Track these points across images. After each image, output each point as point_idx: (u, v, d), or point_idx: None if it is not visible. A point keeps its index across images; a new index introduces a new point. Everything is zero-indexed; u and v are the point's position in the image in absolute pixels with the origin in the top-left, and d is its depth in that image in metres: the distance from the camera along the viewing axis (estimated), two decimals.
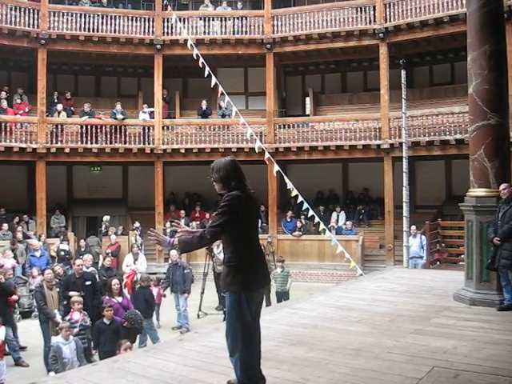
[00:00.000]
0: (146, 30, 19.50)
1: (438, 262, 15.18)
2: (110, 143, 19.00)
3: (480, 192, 7.57)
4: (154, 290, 12.34)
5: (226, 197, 4.04)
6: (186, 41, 18.55)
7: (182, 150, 19.51)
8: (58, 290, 10.36)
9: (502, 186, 7.25)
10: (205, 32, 19.68)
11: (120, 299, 9.97)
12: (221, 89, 17.53)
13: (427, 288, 8.96)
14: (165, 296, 12.50)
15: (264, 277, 4.23)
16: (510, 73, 12.69)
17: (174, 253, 13.24)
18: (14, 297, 10.60)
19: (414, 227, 15.31)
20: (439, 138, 17.30)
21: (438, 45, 18.98)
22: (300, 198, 16.86)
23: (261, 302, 4.24)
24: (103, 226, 18.77)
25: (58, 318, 9.82)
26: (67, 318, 9.24)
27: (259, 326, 4.25)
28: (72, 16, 18.83)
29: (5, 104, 18.34)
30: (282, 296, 12.72)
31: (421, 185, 20.22)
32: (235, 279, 4.02)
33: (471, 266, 7.58)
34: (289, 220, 19.43)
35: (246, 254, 4.07)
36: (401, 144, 16.32)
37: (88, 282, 10.46)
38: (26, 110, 18.93)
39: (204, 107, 20.34)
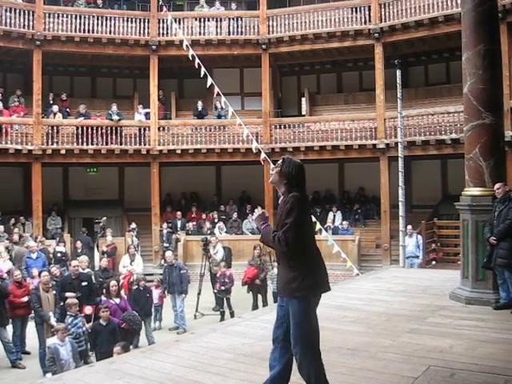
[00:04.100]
0: (142, 31, 19.48)
1: (434, 262, 15.25)
2: (106, 144, 18.97)
3: (475, 191, 7.59)
4: (155, 292, 12.36)
5: (291, 197, 3.92)
6: (181, 41, 18.53)
7: (178, 151, 19.50)
8: (54, 292, 10.35)
9: (497, 186, 7.27)
10: (200, 33, 19.66)
11: (118, 300, 9.98)
12: (217, 89, 17.51)
13: (423, 287, 8.97)
14: (165, 297, 12.60)
15: (327, 281, 4.06)
16: (504, 72, 12.77)
17: (169, 254, 13.26)
18: (24, 298, 10.54)
19: (409, 227, 15.33)
20: (435, 138, 17.30)
21: (433, 44, 18.99)
22: None
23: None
24: (100, 227, 18.72)
25: (53, 320, 9.81)
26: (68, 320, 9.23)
27: None
28: (67, 17, 18.79)
29: (0, 105, 18.30)
30: None
31: (417, 184, 20.22)
32: (303, 283, 3.85)
33: (467, 265, 7.60)
34: None
35: (311, 256, 3.96)
36: (396, 144, 16.35)
37: (84, 283, 10.48)
38: (22, 114, 18.86)
39: (200, 108, 20.32)
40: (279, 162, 4.13)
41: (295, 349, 3.95)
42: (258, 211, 4.18)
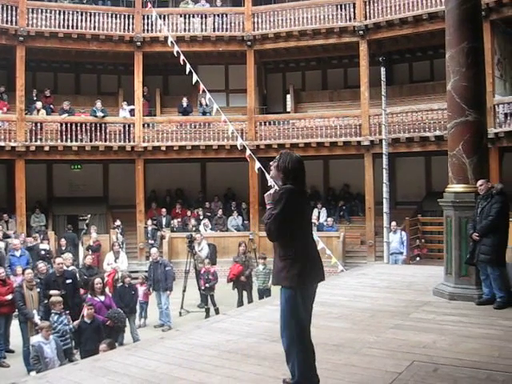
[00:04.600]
0: (126, 27, 19.34)
1: (418, 258, 15.35)
2: (91, 141, 18.84)
3: (458, 188, 7.65)
4: (140, 289, 12.33)
5: (280, 190, 4.03)
6: (166, 38, 18.42)
7: (163, 148, 19.42)
8: (38, 290, 10.28)
9: (479, 182, 7.33)
10: (185, 29, 19.57)
11: (102, 298, 9.94)
12: (202, 86, 17.47)
13: (407, 283, 9.04)
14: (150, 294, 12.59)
15: (319, 271, 4.15)
16: (487, 70, 12.87)
17: (154, 251, 13.25)
18: (8, 297, 10.44)
19: (394, 223, 15.42)
20: (419, 135, 17.41)
21: (418, 42, 19.05)
22: None
23: (313, 298, 4.18)
24: (85, 224, 18.64)
25: (37, 318, 9.75)
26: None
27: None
28: (51, 13, 18.61)
29: None
30: (264, 293, 12.76)
31: (401, 181, 20.35)
32: (290, 273, 3.96)
33: (450, 261, 7.66)
34: None
35: (300, 248, 4.02)
36: (381, 141, 16.44)
37: (69, 281, 10.43)
38: (5, 110, 18.69)
39: (185, 104, 20.27)
40: (277, 156, 4.21)
41: (282, 338, 4.07)
42: (272, 190, 4.21)
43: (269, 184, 17.24)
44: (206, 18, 19.82)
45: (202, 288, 13.41)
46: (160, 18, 19.16)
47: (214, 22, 19.74)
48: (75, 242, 17.69)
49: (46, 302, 9.94)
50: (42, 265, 11.87)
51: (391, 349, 5.29)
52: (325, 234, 17.96)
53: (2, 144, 17.93)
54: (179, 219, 19.56)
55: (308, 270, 4.01)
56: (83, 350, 8.65)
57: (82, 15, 18.87)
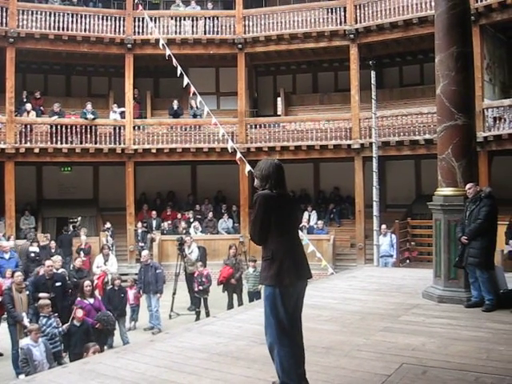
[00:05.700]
0: (117, 30, 19.31)
1: (408, 261, 15.42)
2: (81, 143, 18.79)
3: (448, 191, 7.69)
4: (131, 292, 12.29)
5: (255, 196, 4.23)
6: (157, 40, 18.44)
7: (153, 150, 19.40)
8: (27, 292, 10.24)
9: (468, 186, 7.36)
10: (176, 32, 19.57)
11: (92, 300, 9.92)
12: (192, 89, 17.48)
13: (397, 286, 9.07)
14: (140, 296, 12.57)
15: (301, 271, 4.19)
16: (476, 74, 12.98)
17: (145, 253, 13.21)
18: None
19: (384, 226, 15.48)
20: (409, 138, 17.48)
21: (408, 46, 19.18)
22: None
23: (300, 297, 4.23)
24: (76, 227, 18.57)
25: (26, 321, 9.70)
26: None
27: (300, 323, 4.24)
28: (41, 14, 18.56)
29: None
30: (254, 296, 12.74)
31: (391, 184, 20.43)
32: (269, 273, 4.09)
33: (439, 264, 7.69)
34: None
35: (279, 248, 4.12)
36: (371, 144, 16.51)
37: (58, 283, 10.38)
38: None
39: (175, 107, 20.24)
40: (256, 167, 4.42)
41: (266, 334, 4.17)
42: None
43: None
44: (197, 20, 19.82)
45: (196, 290, 13.38)
46: (151, 20, 19.15)
47: (205, 25, 19.75)
48: (71, 243, 17.64)
49: (35, 304, 9.90)
50: (43, 270, 11.76)
51: (380, 351, 5.31)
52: (315, 236, 17.99)
53: None
54: (169, 222, 19.53)
55: (286, 269, 4.08)
56: (72, 353, 8.64)
57: (72, 17, 18.82)
